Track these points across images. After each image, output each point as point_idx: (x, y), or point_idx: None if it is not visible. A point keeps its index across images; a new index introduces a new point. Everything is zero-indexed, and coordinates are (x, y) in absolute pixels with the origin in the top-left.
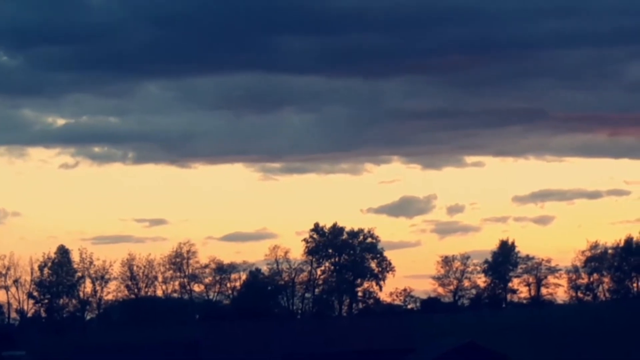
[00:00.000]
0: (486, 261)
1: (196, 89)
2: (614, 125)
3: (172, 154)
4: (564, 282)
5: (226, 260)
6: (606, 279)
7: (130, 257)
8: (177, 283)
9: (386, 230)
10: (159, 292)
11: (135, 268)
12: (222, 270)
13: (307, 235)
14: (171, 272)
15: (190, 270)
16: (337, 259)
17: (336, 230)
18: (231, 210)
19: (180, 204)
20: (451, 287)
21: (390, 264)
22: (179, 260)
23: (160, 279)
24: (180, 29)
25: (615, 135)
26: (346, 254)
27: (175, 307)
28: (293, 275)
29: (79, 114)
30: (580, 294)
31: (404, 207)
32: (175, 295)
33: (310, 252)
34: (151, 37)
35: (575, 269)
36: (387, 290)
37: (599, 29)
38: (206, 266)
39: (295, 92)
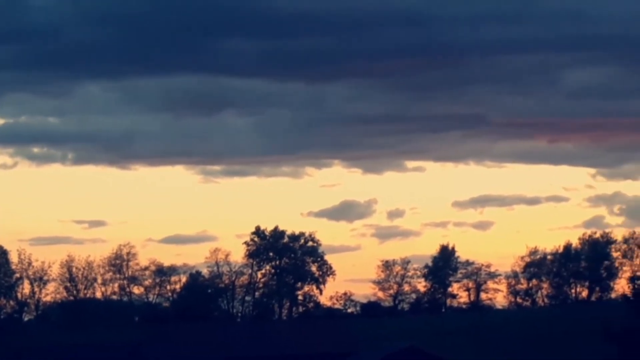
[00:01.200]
0: (426, 266)
1: (137, 90)
2: (553, 131)
3: (112, 155)
4: (503, 287)
5: (166, 262)
6: (545, 285)
7: (69, 259)
8: (116, 285)
9: (327, 234)
10: (98, 294)
11: (74, 269)
12: (162, 272)
13: (247, 238)
14: (110, 274)
15: (129, 272)
16: (277, 263)
17: (277, 233)
18: (171, 213)
19: (120, 205)
20: (391, 292)
21: (330, 267)
22: (118, 262)
23: (99, 280)
24: (122, 30)
25: (554, 141)
26: (287, 257)
27: (114, 309)
28: (233, 278)
29: (18, 114)
30: (519, 300)
31: (345, 211)
32: (114, 297)
33: (251, 255)
34: (92, 37)
35: (515, 275)
36: (328, 294)
37: (540, 35)
38: (146, 268)
39: (238, 95)
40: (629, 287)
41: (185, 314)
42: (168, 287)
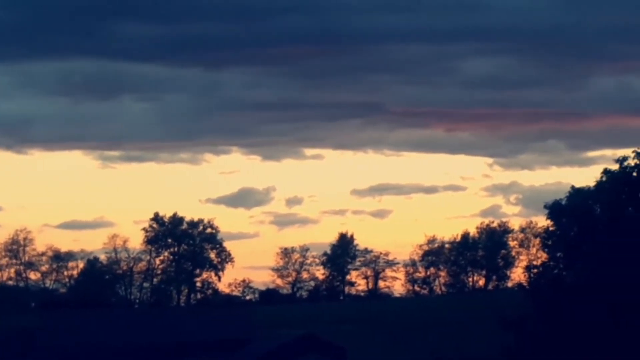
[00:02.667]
0: (325, 253)
1: (34, 74)
2: (450, 120)
3: (8, 139)
4: (401, 275)
5: (63, 248)
6: (443, 273)
7: None
8: (12, 270)
9: (225, 221)
10: None
11: None
12: (59, 258)
13: (146, 225)
14: (7, 259)
15: (26, 258)
16: (176, 249)
17: (176, 220)
18: (69, 198)
19: (17, 190)
20: (290, 279)
21: (229, 254)
22: (14, 248)
23: None
24: (18, 12)
25: (451, 130)
26: (185, 244)
27: (10, 294)
28: (131, 265)
29: None
30: (417, 288)
31: (243, 198)
32: (10, 282)
33: (149, 241)
34: None
35: (413, 263)
36: (226, 281)
37: (436, 25)
38: (43, 254)
39: (135, 80)
40: (525, 275)
41: (82, 300)
42: (65, 273)
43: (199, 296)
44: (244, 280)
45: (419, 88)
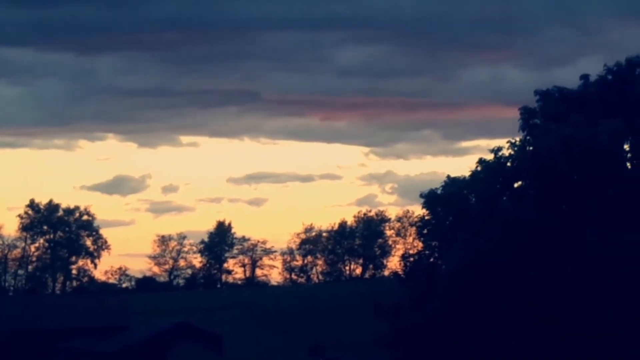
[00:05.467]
0: (202, 241)
1: None
2: (326, 109)
3: None
4: (278, 263)
5: None
6: (320, 262)
7: None
8: None
9: (101, 208)
10: None
11: None
12: None
13: (21, 211)
14: None
15: None
16: (52, 236)
17: (52, 207)
18: None
19: None
20: (167, 267)
21: (105, 242)
22: None
23: None
24: None
25: (327, 119)
26: (61, 231)
27: None
28: (6, 252)
29: None
30: (294, 276)
31: (119, 185)
32: None
33: (24, 228)
34: None
35: (290, 251)
36: (102, 269)
37: (312, 13)
38: None
39: (7, 65)
40: (400, 264)
41: None
42: None
43: (74, 283)
44: (120, 268)
45: (294, 76)
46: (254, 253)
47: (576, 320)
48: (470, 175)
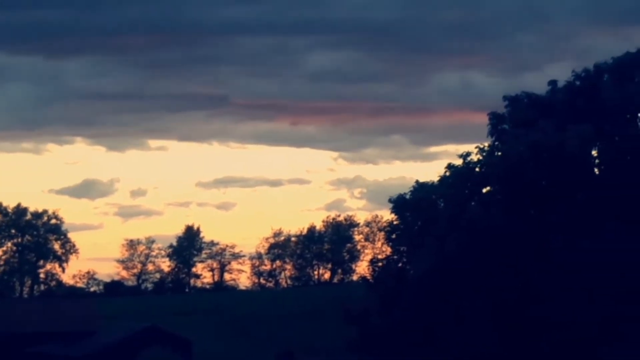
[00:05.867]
0: (171, 245)
1: None
2: (295, 114)
3: None
4: (247, 268)
5: None
6: (288, 266)
7: None
8: None
9: (69, 212)
10: None
11: None
12: None
13: None
14: None
15: None
16: (19, 240)
17: (20, 210)
18: None
19: None
20: (135, 271)
21: (74, 246)
22: None
23: None
24: None
25: (296, 124)
26: (29, 234)
27: None
28: None
29: None
30: (262, 280)
31: (87, 189)
32: None
33: None
34: None
35: (259, 256)
36: (70, 273)
37: (281, 18)
38: None
39: None
40: (369, 269)
41: None
42: None
43: (42, 288)
44: (88, 272)
45: (263, 80)
46: (222, 257)
47: (542, 325)
48: (439, 181)
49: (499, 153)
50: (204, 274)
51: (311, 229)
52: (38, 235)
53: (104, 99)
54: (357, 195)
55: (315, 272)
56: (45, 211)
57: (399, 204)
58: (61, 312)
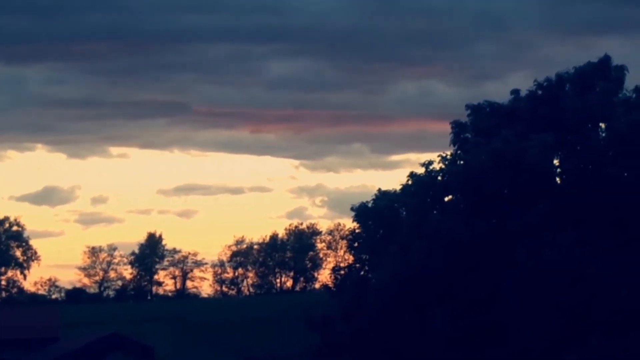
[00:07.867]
0: (133, 253)
1: None
2: (256, 121)
3: None
4: (209, 275)
5: None
6: (251, 274)
7: None
8: None
9: (30, 218)
10: None
11: None
12: None
13: None
14: None
15: None
16: None
17: None
18: None
19: None
20: (97, 278)
21: (35, 252)
22: None
23: None
24: None
25: (257, 131)
26: None
27: None
28: None
29: None
30: (225, 288)
31: (48, 196)
32: None
33: None
34: None
35: (221, 263)
36: (32, 280)
37: (241, 25)
38: None
39: None
40: (331, 277)
41: None
42: None
43: (3, 294)
44: (50, 279)
45: (224, 88)
46: (184, 265)
47: (505, 332)
48: (401, 189)
49: (461, 162)
50: (166, 281)
51: (273, 237)
52: (0, 242)
53: (65, 105)
54: (318, 203)
55: (278, 280)
56: (6, 218)
57: (361, 212)
58: (23, 319)
